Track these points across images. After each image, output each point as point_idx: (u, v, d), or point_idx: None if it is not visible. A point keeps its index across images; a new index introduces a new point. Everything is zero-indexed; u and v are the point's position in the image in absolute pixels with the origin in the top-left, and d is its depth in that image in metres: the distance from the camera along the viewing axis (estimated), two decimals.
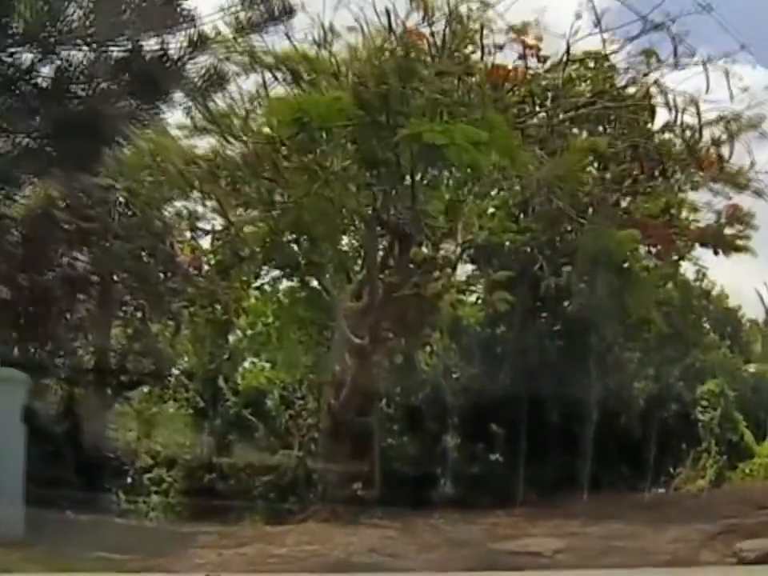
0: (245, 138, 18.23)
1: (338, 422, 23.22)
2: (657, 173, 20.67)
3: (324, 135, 17.46)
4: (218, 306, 26.53)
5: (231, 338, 30.67)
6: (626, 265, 22.99)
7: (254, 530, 21.40)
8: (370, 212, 21.00)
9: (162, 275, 22.79)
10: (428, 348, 28.29)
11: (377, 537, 19.37)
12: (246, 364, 32.08)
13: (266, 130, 18.69)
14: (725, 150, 20.76)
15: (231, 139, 18.24)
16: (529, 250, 24.26)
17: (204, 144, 19.95)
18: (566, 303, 25.22)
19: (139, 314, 23.18)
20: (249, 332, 30.75)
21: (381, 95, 16.21)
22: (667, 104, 19.23)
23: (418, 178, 18.17)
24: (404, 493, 23.64)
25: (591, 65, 22.50)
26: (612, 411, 26.04)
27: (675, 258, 24.52)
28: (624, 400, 26.25)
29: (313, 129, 16.72)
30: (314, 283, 26.91)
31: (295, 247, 21.19)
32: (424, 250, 24.81)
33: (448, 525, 21.18)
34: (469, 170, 15.91)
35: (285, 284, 28.52)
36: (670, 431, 27.86)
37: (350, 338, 22.76)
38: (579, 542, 17.95)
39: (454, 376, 27.71)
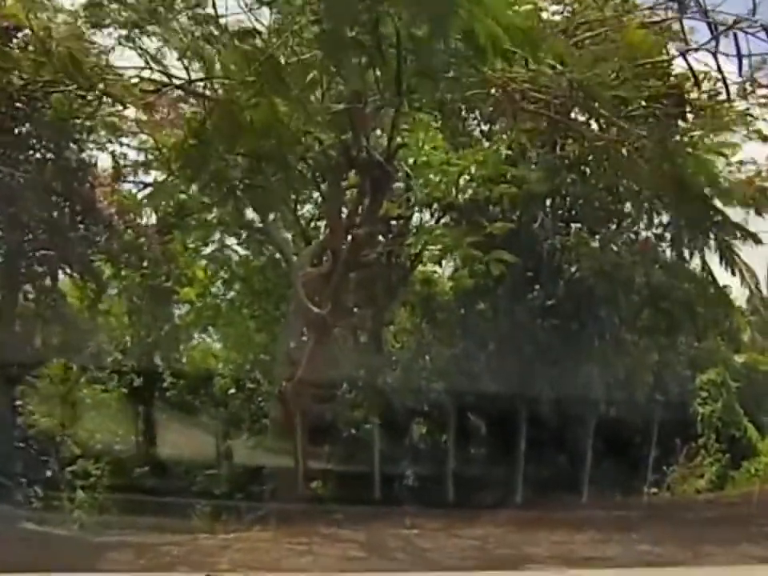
0: None
1: (290, 409, 17.65)
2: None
3: None
4: (156, 270, 20.63)
5: (176, 311, 24.99)
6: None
7: (185, 543, 15.87)
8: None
9: (78, 224, 16.84)
10: (397, 324, 23.64)
11: (336, 557, 14.39)
12: (194, 341, 26.54)
13: None
14: None
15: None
16: (523, 208, 18.46)
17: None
18: (573, 269, 19.43)
19: (43, 270, 17.13)
20: (198, 305, 25.04)
21: None
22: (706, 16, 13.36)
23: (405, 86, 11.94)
24: (369, 492, 19.73)
25: None
26: (607, 402, 21.47)
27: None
28: (622, 390, 20.64)
29: None
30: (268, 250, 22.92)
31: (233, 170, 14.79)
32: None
33: (424, 539, 15.88)
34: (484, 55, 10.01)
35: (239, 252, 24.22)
36: (665, 425, 23.17)
37: (307, 307, 17.18)
38: None
39: (428, 357, 22.67)
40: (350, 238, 17.15)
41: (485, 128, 20.93)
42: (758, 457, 24.32)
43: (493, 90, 14.39)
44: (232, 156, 13.22)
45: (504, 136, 18.13)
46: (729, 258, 20.37)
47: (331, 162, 17.25)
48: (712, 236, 19.19)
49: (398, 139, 15.99)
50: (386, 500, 19.56)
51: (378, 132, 16.59)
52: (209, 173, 13.37)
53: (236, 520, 18.27)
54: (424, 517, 17.97)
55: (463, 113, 20.63)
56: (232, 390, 23.81)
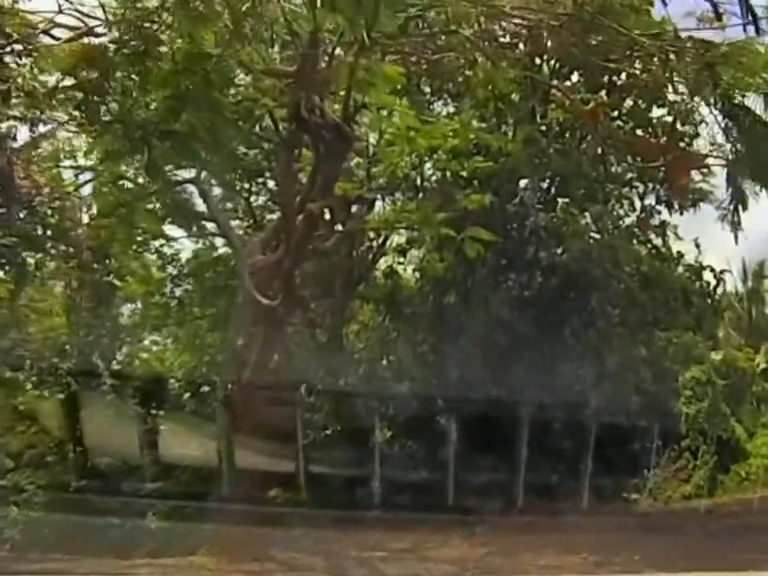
0: None
1: (239, 413, 14.84)
2: None
3: None
4: (94, 263, 17.88)
5: (124, 311, 23.12)
6: None
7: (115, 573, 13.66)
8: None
9: None
10: (359, 320, 21.13)
11: None
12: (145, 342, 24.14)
13: None
14: None
15: None
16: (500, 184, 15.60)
17: None
18: (558, 251, 16.57)
19: None
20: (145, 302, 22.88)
21: None
22: None
23: None
24: (329, 504, 16.67)
25: None
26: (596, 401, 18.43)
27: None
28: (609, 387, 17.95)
29: None
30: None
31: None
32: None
33: (392, 563, 12.81)
34: None
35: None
36: (650, 425, 20.21)
37: (255, 299, 14.36)
38: None
39: (392, 357, 20.25)
40: (302, 216, 14.26)
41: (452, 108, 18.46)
42: (748, 459, 21.93)
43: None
44: (144, 95, 10.25)
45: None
46: None
47: (281, 133, 14.40)
48: None
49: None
50: (348, 509, 16.68)
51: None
52: (112, 114, 10.38)
53: (181, 540, 15.45)
54: (390, 532, 15.47)
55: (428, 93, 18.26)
56: (186, 395, 21.00)
